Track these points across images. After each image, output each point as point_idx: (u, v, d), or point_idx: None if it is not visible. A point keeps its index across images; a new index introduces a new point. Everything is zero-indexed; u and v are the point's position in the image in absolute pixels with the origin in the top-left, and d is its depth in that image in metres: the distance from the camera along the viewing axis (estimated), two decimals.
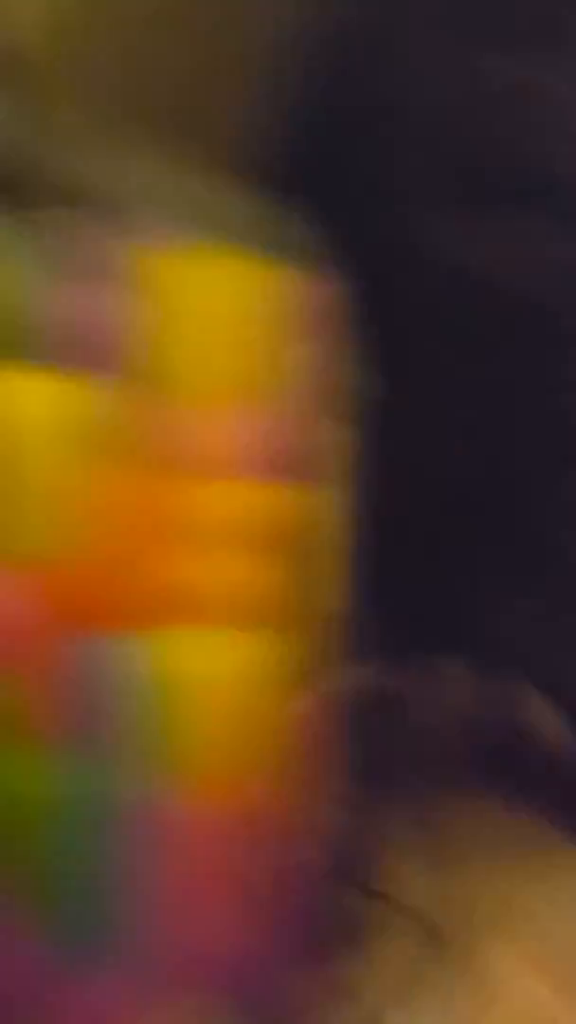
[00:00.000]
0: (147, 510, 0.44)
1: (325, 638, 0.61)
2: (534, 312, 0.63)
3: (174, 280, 0.46)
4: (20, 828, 0.41)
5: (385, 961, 0.66)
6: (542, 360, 0.65)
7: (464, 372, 0.77)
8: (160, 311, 0.45)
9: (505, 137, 0.60)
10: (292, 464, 0.50)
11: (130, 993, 0.44)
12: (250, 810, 0.50)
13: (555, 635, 0.71)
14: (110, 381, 0.44)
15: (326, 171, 0.72)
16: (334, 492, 0.59)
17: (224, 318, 0.47)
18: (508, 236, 0.61)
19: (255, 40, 0.71)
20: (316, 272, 0.52)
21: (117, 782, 0.43)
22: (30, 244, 0.47)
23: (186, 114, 0.72)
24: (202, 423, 0.45)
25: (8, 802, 0.41)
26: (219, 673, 0.46)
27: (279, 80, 0.68)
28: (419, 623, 0.86)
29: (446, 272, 0.65)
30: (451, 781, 0.81)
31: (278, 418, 0.49)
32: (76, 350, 0.44)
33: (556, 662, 0.72)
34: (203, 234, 0.48)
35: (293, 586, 0.50)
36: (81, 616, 0.42)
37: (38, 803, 0.42)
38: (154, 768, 0.44)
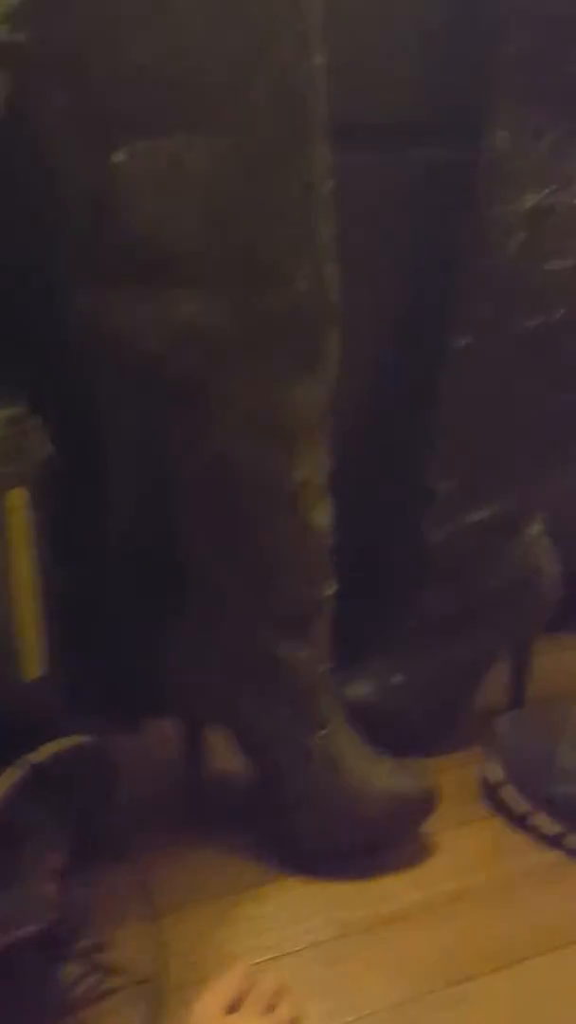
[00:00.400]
0: None
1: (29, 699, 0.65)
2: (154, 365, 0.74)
3: None
4: None
5: (119, 1019, 0.69)
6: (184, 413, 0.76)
7: (126, 429, 0.87)
8: None
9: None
10: None
11: None
12: None
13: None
14: None
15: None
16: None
17: None
18: (136, 304, 0.71)
19: None
20: None
21: None
22: None
23: None
24: None
25: None
26: None
27: None
28: (122, 684, 0.92)
29: (94, 332, 0.75)
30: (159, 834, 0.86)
31: None
32: None
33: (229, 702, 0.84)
34: None
35: None
36: None
37: None
38: None
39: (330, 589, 0.82)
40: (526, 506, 0.94)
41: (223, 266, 0.70)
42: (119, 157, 0.67)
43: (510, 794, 0.90)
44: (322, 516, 0.79)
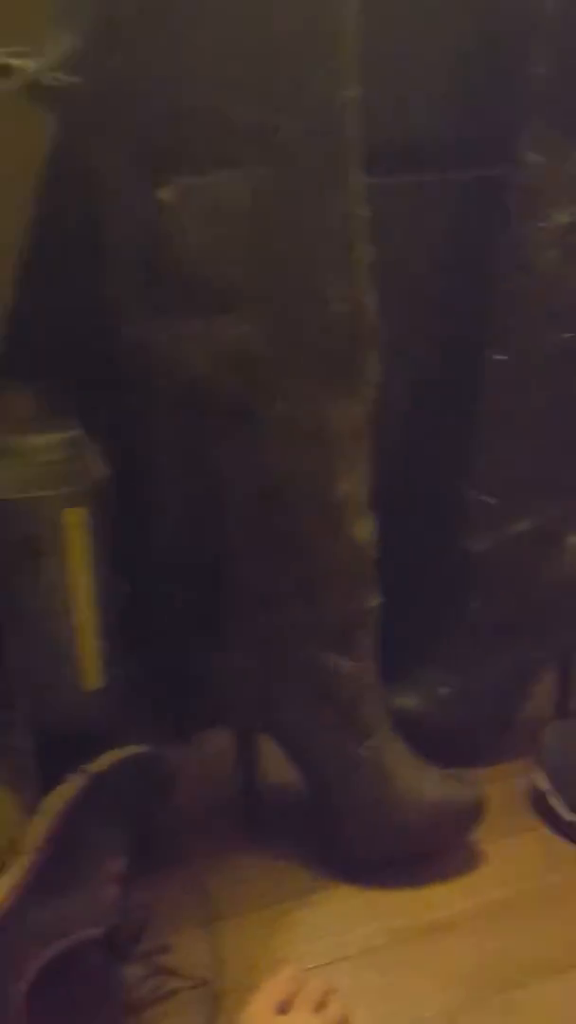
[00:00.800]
0: None
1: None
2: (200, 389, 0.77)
3: None
4: None
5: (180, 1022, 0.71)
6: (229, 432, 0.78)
7: (175, 448, 0.88)
8: None
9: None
10: None
11: None
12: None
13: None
14: None
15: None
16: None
17: None
18: (183, 331, 0.74)
19: None
20: None
21: None
22: None
23: None
24: None
25: None
26: None
27: None
28: (175, 695, 0.94)
29: (143, 359, 0.78)
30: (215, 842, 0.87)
31: None
32: None
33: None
34: None
35: None
36: None
37: None
38: None
39: (375, 601, 0.83)
40: (568, 516, 0.95)
41: (265, 293, 0.73)
42: (166, 194, 0.70)
43: (556, 803, 0.91)
44: (365, 529, 0.81)
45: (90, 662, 0.78)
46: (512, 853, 0.88)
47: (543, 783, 0.92)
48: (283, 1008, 0.68)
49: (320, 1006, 0.69)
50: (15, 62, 0.69)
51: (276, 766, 0.89)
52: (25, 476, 0.77)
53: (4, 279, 0.90)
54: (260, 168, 0.70)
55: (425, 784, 0.86)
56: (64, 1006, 0.67)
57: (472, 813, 0.87)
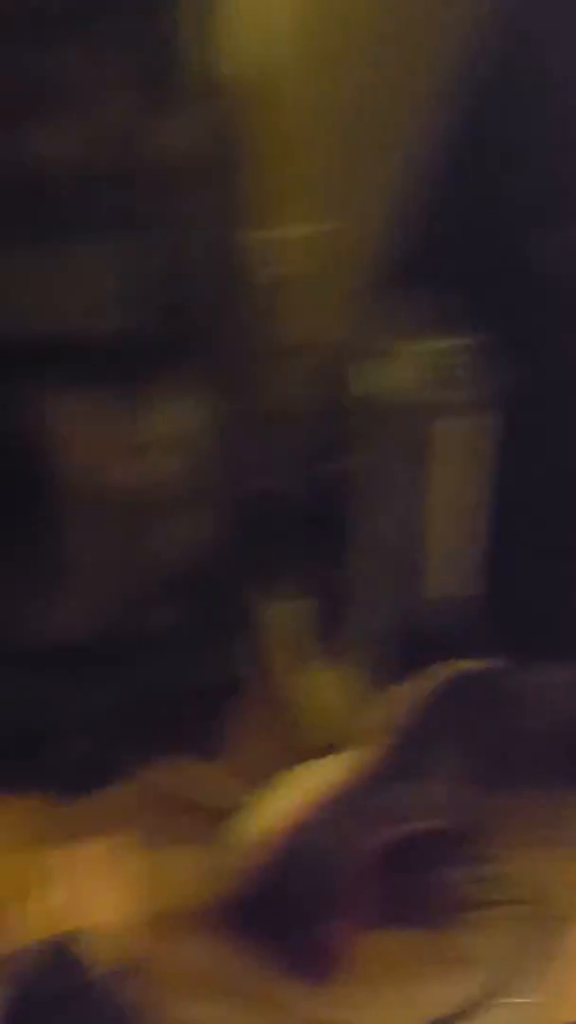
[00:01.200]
0: None
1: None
2: None
3: None
4: None
5: (495, 933, 0.71)
6: None
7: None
8: None
9: None
10: None
11: None
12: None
13: None
14: None
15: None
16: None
17: None
18: None
19: None
20: None
21: None
22: None
23: None
24: None
25: None
26: None
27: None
28: (529, 627, 0.89)
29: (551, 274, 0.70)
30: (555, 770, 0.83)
31: None
32: None
33: None
34: None
35: None
36: None
37: None
38: None
39: None
40: None
41: None
42: None
43: None
44: None
45: (448, 570, 0.78)
46: None
47: None
48: None
49: None
50: None
51: None
52: (412, 380, 0.77)
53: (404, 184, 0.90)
54: None
55: None
56: (387, 895, 0.69)
57: None
